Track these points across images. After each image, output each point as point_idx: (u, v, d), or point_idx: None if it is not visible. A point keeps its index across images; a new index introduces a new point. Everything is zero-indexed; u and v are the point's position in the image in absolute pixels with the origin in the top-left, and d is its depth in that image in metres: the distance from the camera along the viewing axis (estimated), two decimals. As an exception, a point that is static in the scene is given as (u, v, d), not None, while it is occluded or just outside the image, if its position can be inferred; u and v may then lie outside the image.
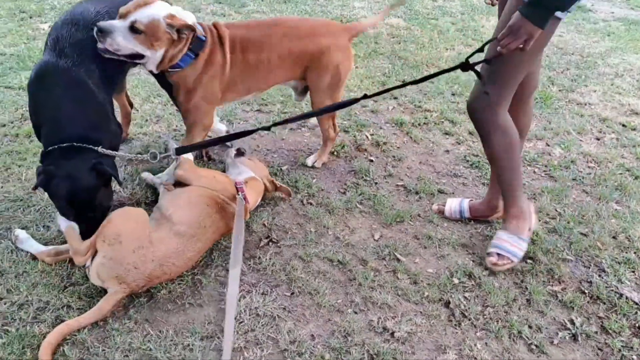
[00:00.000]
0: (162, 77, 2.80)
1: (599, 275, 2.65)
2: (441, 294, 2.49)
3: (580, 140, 3.82)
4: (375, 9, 5.71)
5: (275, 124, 2.59)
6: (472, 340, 2.28)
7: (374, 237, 2.78)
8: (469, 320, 2.37)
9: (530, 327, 2.36)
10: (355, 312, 2.36)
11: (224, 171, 2.97)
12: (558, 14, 2.14)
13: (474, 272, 2.61)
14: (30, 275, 2.45)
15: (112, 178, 2.48)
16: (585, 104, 4.32)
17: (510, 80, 2.37)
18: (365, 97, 2.57)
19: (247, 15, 5.40)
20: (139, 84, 4.06)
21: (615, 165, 3.53)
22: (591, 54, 5.36)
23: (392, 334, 2.27)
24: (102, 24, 2.46)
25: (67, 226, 2.42)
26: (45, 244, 2.57)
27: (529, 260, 2.72)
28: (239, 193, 2.61)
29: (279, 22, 3.08)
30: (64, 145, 2.35)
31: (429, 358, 2.19)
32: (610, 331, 2.37)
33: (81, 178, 2.34)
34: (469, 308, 2.42)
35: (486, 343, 2.27)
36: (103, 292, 2.30)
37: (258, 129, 2.61)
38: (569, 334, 2.36)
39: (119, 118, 3.08)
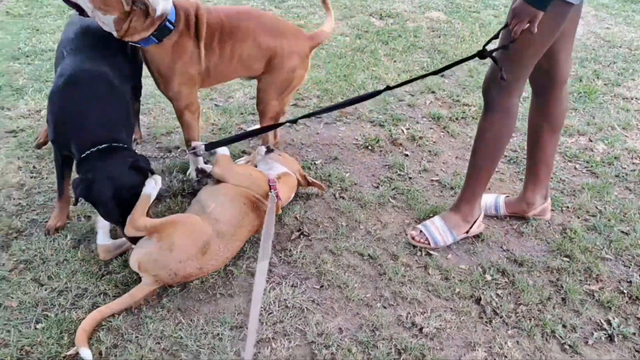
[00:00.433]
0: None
1: (640, 275, 2.58)
2: (472, 291, 2.46)
3: (625, 136, 3.71)
4: (415, 3, 5.65)
5: (301, 117, 2.66)
6: (503, 338, 2.24)
7: (406, 232, 2.76)
8: (501, 317, 2.33)
9: (564, 326, 2.31)
10: (384, 307, 2.36)
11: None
12: None
13: (507, 269, 2.57)
14: (70, 263, 2.53)
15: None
16: (632, 99, 4.19)
17: (522, 64, 2.34)
18: (388, 88, 2.59)
19: (287, 10, 5.42)
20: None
21: (661, 162, 3.42)
22: (640, 47, 5.19)
23: (421, 329, 2.25)
24: None
25: (147, 193, 2.36)
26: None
27: (565, 258, 2.66)
28: (272, 190, 2.63)
29: (252, 15, 3.00)
30: (101, 147, 2.34)
31: (458, 355, 2.17)
32: (648, 332, 2.30)
33: (123, 178, 2.33)
34: (501, 305, 2.38)
35: (517, 341, 2.24)
36: (138, 280, 2.36)
37: (284, 123, 2.65)
38: (605, 334, 2.30)
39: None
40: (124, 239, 2.48)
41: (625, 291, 2.50)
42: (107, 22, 2.50)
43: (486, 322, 2.32)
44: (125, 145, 2.41)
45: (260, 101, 3.05)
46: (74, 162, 2.48)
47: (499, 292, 2.47)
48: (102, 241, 2.54)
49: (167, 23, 2.61)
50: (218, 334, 2.19)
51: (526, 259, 2.64)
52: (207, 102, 3.85)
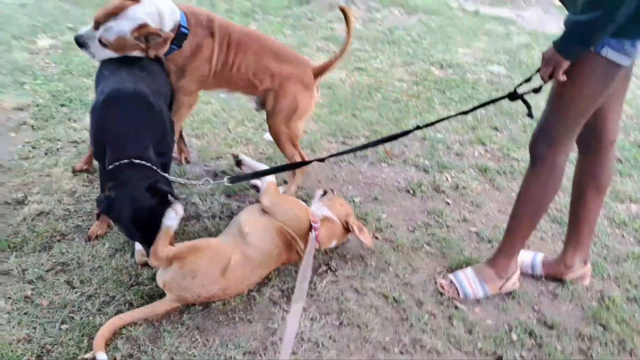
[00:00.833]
0: None
1: (678, 354, 2.45)
2: (496, 348, 2.39)
3: (681, 209, 3.56)
4: (478, 57, 5.66)
5: (330, 156, 2.77)
6: (521, 400, 2.16)
7: (436, 279, 2.72)
8: (521, 378, 2.26)
9: (588, 397, 2.21)
10: (402, 353, 2.32)
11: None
12: (618, 58, 2.11)
13: (536, 330, 2.49)
14: (103, 270, 2.62)
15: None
16: (693, 172, 4.03)
17: (568, 121, 2.31)
18: (417, 128, 2.64)
19: (350, 53, 5.52)
20: (236, 107, 4.24)
21: None
22: None
23: (435, 379, 2.20)
24: (77, 39, 2.67)
25: (168, 225, 2.37)
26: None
27: (599, 327, 2.55)
28: (312, 231, 2.63)
29: (262, 38, 3.16)
30: (123, 162, 2.38)
31: (470, 410, 2.11)
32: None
33: (139, 200, 2.34)
34: (523, 366, 2.30)
35: (535, 406, 2.15)
36: (164, 295, 2.42)
37: (313, 160, 2.79)
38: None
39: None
40: None
41: (659, 370, 2.37)
42: (135, 54, 2.72)
43: (505, 381, 2.24)
44: (148, 164, 2.41)
45: (270, 128, 3.17)
46: None
47: (524, 353, 2.39)
48: (139, 246, 2.60)
49: (182, 29, 2.78)
50: (231, 357, 2.21)
51: (557, 323, 2.55)
52: (259, 132, 3.94)
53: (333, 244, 2.79)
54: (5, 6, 6.23)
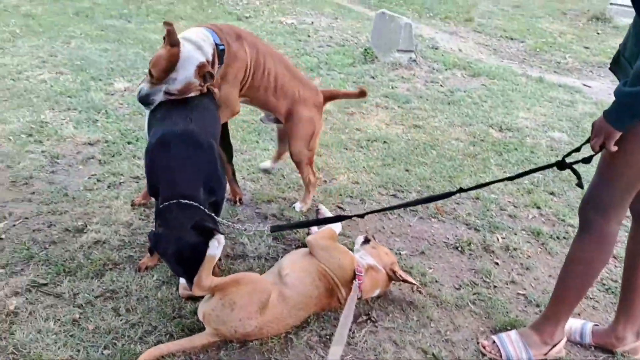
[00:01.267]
0: None
1: None
2: (536, 413, 2.30)
3: None
4: (539, 122, 5.62)
5: (369, 212, 2.82)
6: None
7: (479, 339, 2.66)
8: None
9: None
10: (437, 408, 2.26)
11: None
12: None
13: (580, 401, 2.39)
14: (149, 300, 2.70)
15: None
16: None
17: (619, 188, 2.24)
18: (461, 190, 2.63)
19: (409, 110, 5.60)
20: (292, 155, 4.35)
21: None
22: None
23: None
24: (143, 99, 2.75)
25: (212, 254, 2.45)
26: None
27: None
28: (356, 280, 2.64)
29: (283, 57, 3.39)
30: (171, 203, 2.48)
31: None
32: None
33: (182, 238, 2.41)
34: None
35: None
36: (204, 329, 2.46)
37: (352, 216, 2.83)
38: None
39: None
40: None
41: None
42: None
43: None
44: (195, 203, 2.50)
45: (294, 153, 3.41)
46: None
47: (566, 422, 2.29)
48: (184, 280, 2.66)
49: (220, 47, 2.89)
50: (264, 396, 2.21)
51: (604, 395, 2.44)
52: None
53: (376, 292, 2.79)
54: (88, 51, 6.67)
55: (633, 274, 2.57)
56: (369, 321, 2.70)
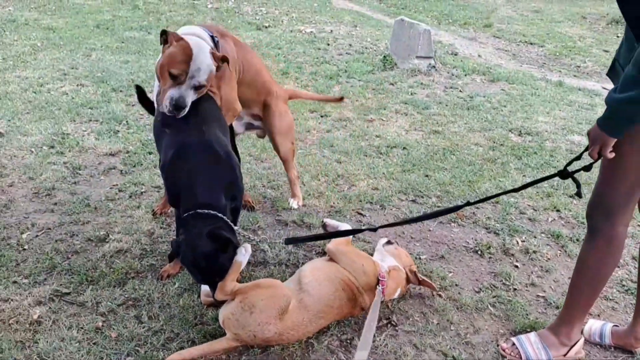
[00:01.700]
0: None
1: None
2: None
3: None
4: (559, 125, 5.57)
5: (382, 226, 2.82)
6: None
7: (499, 341, 2.64)
8: None
9: None
10: (457, 412, 2.25)
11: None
12: None
13: (603, 403, 2.36)
14: (171, 307, 2.73)
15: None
16: None
17: (621, 192, 2.24)
18: (468, 204, 2.66)
19: (428, 117, 5.60)
20: (312, 162, 4.37)
21: None
22: None
23: None
24: (179, 104, 2.64)
25: (239, 261, 2.52)
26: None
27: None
28: (379, 285, 2.65)
29: (259, 57, 3.51)
30: (190, 213, 2.53)
31: None
32: None
33: (200, 246, 2.44)
34: None
35: None
36: (225, 335, 2.48)
37: (364, 230, 2.84)
38: None
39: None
40: None
41: None
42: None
43: None
44: (213, 212, 2.54)
45: (283, 150, 3.60)
46: None
47: None
48: (205, 287, 2.70)
49: (215, 39, 2.94)
50: (284, 401, 2.22)
51: (626, 397, 2.41)
52: (331, 186, 4.02)
53: (397, 294, 2.80)
54: (109, 62, 6.78)
55: None
56: (389, 325, 2.70)
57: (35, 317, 2.60)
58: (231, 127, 3.32)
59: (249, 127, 3.58)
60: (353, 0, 13.16)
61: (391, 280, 2.74)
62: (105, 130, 4.76)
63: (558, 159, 4.70)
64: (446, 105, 5.97)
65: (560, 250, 3.43)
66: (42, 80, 6.02)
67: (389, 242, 3.02)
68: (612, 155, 2.13)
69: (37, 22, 8.73)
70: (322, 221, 3.09)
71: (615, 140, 2.09)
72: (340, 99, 4.20)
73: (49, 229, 3.33)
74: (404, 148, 4.76)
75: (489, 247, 3.38)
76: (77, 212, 3.51)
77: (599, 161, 2.26)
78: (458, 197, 3.94)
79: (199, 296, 2.78)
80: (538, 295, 3.00)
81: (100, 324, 2.60)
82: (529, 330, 2.69)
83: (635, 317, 2.62)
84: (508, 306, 2.89)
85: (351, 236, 2.92)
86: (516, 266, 3.25)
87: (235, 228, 2.68)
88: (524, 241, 3.48)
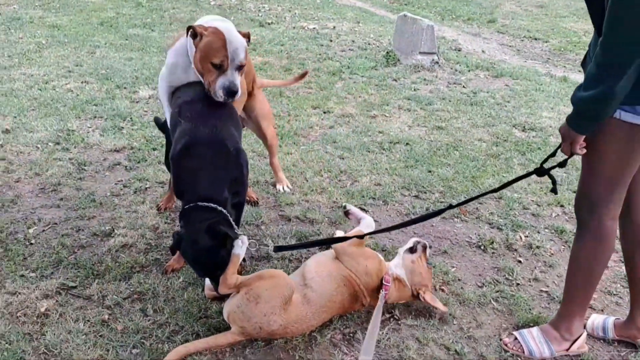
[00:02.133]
0: None
1: None
2: (561, 410, 2.29)
3: None
4: (563, 120, 5.56)
5: (371, 233, 2.83)
6: None
7: (501, 336, 2.66)
8: None
9: None
10: (460, 404, 2.27)
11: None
12: (634, 119, 2.09)
13: (606, 397, 2.37)
14: (176, 301, 2.76)
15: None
16: None
17: (601, 187, 2.27)
18: (450, 207, 2.69)
19: (432, 112, 5.60)
20: (315, 158, 4.39)
21: None
22: None
23: None
24: (231, 90, 2.69)
25: (237, 254, 2.54)
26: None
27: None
28: (382, 290, 2.64)
29: None
30: (190, 206, 2.56)
31: None
32: None
33: (198, 240, 2.47)
34: None
35: None
36: (229, 329, 2.51)
37: (359, 235, 2.76)
38: None
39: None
40: None
41: None
42: None
43: None
44: (213, 205, 2.56)
45: (270, 136, 3.72)
46: None
47: (591, 418, 2.27)
48: (209, 281, 2.72)
49: None
50: (288, 393, 2.24)
51: (629, 391, 2.42)
52: (334, 182, 4.04)
53: (400, 301, 2.80)
54: (113, 60, 6.81)
55: (631, 267, 2.57)
56: (392, 319, 2.72)
57: (42, 310, 2.64)
58: None
59: None
60: (356, -3, 13.16)
61: (394, 288, 2.72)
62: (110, 127, 4.78)
63: (562, 155, 4.69)
64: (449, 101, 5.98)
65: (563, 246, 3.44)
66: (47, 77, 6.05)
67: (412, 250, 2.87)
68: (583, 152, 2.18)
69: (42, 20, 8.76)
70: (344, 207, 3.07)
71: (584, 137, 2.13)
72: (304, 75, 4.26)
73: (55, 223, 3.36)
74: (407, 144, 4.78)
75: (492, 242, 3.39)
76: (82, 208, 3.54)
77: (577, 158, 2.30)
78: (461, 192, 3.95)
79: (203, 290, 2.81)
80: (541, 290, 3.02)
81: (106, 316, 2.63)
82: (532, 325, 2.71)
83: (632, 309, 2.64)
84: (511, 301, 2.90)
85: (367, 230, 2.86)
86: (519, 261, 3.26)
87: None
88: (527, 236, 3.50)
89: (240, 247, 2.53)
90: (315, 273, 2.63)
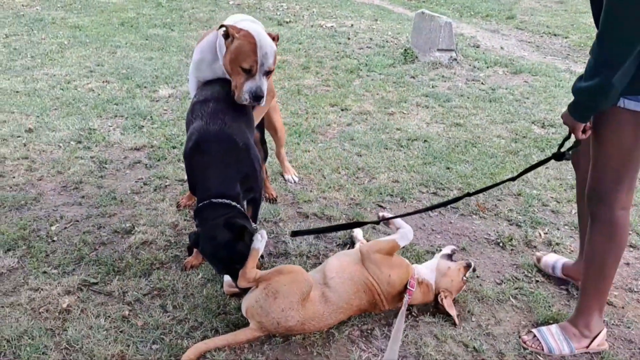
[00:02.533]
0: None
1: None
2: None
3: None
4: (585, 116, 5.51)
5: (394, 217, 2.90)
6: None
7: (520, 333, 2.65)
8: None
9: None
10: (478, 401, 2.27)
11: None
12: (637, 107, 2.12)
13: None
14: (195, 297, 2.79)
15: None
16: None
17: (609, 175, 2.29)
18: (467, 195, 2.73)
19: (450, 109, 5.58)
20: (333, 155, 4.40)
21: None
22: None
23: None
24: (257, 95, 2.74)
25: (256, 248, 2.57)
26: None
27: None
28: (406, 294, 2.62)
29: None
30: (205, 203, 2.60)
31: None
32: None
33: (217, 236, 2.51)
34: None
35: None
36: (247, 325, 2.53)
37: (370, 222, 2.86)
38: None
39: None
40: None
41: None
42: None
43: None
44: (227, 201, 2.60)
45: (277, 126, 3.69)
46: None
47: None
48: (228, 277, 2.74)
49: None
50: (306, 388, 2.25)
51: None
52: (352, 179, 4.05)
53: (421, 303, 2.79)
54: (134, 59, 6.88)
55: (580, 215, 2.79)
56: (410, 316, 2.72)
57: (64, 306, 2.68)
58: (261, 126, 3.38)
59: None
60: (374, -6, 13.14)
61: (419, 291, 2.71)
62: (131, 126, 4.84)
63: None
64: (468, 98, 5.95)
65: (583, 242, 3.40)
66: (69, 77, 6.13)
67: (449, 256, 2.87)
68: (584, 136, 2.24)
69: (64, 20, 8.87)
70: (384, 216, 3.01)
71: (584, 124, 2.20)
72: None
73: (77, 221, 3.41)
74: (425, 141, 4.76)
75: (511, 239, 3.38)
76: (103, 205, 3.59)
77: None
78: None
79: (221, 286, 2.84)
80: (561, 288, 2.99)
81: (127, 312, 2.67)
82: (551, 322, 2.69)
83: (580, 253, 2.78)
84: (530, 298, 2.89)
85: (403, 243, 2.81)
86: (538, 258, 3.24)
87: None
88: (546, 233, 3.48)
89: (260, 241, 2.56)
90: (336, 273, 2.63)
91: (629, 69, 2.01)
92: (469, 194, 2.75)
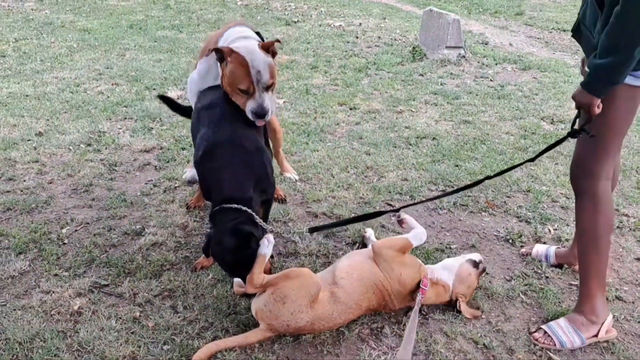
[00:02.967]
0: None
1: None
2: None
3: None
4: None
5: (404, 206, 2.95)
6: None
7: (530, 329, 2.64)
8: None
9: None
10: (488, 398, 2.26)
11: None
12: (635, 81, 2.25)
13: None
14: (205, 298, 2.80)
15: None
16: None
17: (598, 148, 2.40)
18: (487, 178, 2.82)
19: (458, 106, 5.57)
20: (341, 154, 4.40)
21: None
22: None
23: None
24: (260, 113, 2.76)
25: (262, 253, 2.58)
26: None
27: None
28: (420, 293, 2.61)
29: None
30: (217, 208, 2.64)
31: None
32: None
33: (224, 241, 2.55)
34: None
35: None
36: (257, 325, 2.54)
37: (389, 211, 2.90)
38: None
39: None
40: None
41: None
42: None
43: None
44: (239, 206, 2.61)
45: (275, 128, 3.70)
46: None
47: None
48: (238, 278, 2.75)
49: (259, 35, 3.07)
50: (316, 387, 2.26)
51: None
52: (360, 178, 4.05)
53: (433, 303, 2.77)
54: (142, 62, 6.91)
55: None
56: (419, 313, 2.71)
57: (75, 308, 2.70)
58: (264, 128, 3.37)
59: None
60: (382, -7, 13.13)
61: (433, 291, 2.69)
62: (140, 128, 4.86)
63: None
64: (476, 95, 5.93)
65: (593, 238, 3.38)
66: (78, 80, 6.17)
67: (476, 264, 2.80)
68: (599, 111, 2.27)
69: (73, 24, 8.94)
70: (399, 215, 2.95)
71: (599, 100, 2.25)
72: None
73: (88, 223, 3.44)
74: (434, 138, 4.76)
75: (521, 236, 3.37)
76: (114, 207, 3.62)
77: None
78: (489, 186, 3.92)
79: (232, 287, 2.84)
80: (570, 284, 2.98)
81: (138, 314, 2.68)
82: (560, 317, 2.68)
83: (574, 239, 2.85)
84: (540, 294, 2.88)
85: (416, 243, 2.80)
86: (548, 254, 3.22)
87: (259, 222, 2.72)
88: (556, 229, 3.46)
89: (267, 247, 2.57)
90: (346, 274, 2.63)
91: None
92: (489, 177, 2.83)
